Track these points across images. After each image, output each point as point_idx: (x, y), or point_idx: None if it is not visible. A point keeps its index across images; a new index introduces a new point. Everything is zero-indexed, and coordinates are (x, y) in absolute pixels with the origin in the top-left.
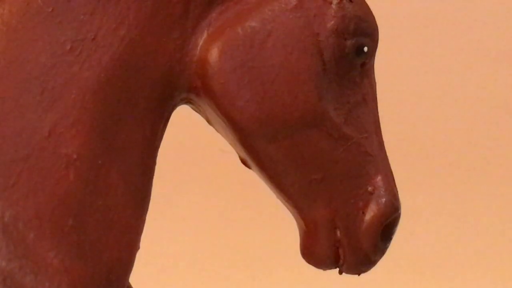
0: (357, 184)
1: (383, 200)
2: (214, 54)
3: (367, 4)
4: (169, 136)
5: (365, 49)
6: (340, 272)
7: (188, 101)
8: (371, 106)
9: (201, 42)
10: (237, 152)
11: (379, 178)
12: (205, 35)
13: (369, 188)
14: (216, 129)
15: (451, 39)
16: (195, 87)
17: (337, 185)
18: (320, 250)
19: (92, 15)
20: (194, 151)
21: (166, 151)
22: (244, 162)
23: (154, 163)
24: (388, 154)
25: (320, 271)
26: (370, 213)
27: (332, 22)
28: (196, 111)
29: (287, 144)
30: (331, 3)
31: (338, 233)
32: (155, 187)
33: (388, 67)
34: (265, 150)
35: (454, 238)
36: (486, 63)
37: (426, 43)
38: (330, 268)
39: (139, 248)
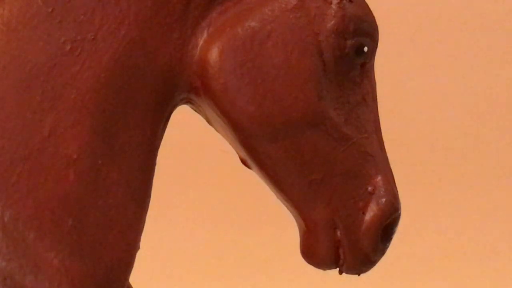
0: (357, 184)
1: (383, 200)
2: (214, 54)
3: (367, 4)
4: (169, 136)
5: (365, 49)
6: (340, 272)
7: (188, 101)
8: (371, 106)
9: (201, 42)
10: (237, 152)
11: (379, 178)
12: (205, 35)
13: (369, 188)
14: (216, 129)
15: (451, 39)
16: (195, 87)
17: (337, 185)
18: (320, 250)
19: (92, 15)
20: (194, 151)
21: (166, 151)
22: (244, 162)
23: (154, 163)
24: (388, 154)
25: (320, 271)
26: (370, 213)
27: (332, 22)
28: (196, 111)
29: (287, 144)
30: (331, 3)
31: (338, 233)
32: (155, 187)
33: (388, 67)
34: (265, 150)
35: (454, 238)
36: (486, 63)
37: (426, 43)
38: (330, 268)
39: (139, 248)
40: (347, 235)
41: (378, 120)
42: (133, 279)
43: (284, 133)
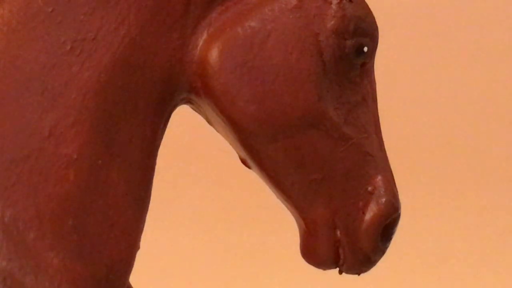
0: (357, 184)
1: (383, 200)
2: (214, 54)
3: (367, 4)
4: (169, 136)
5: (365, 49)
6: (340, 272)
7: (188, 101)
8: (371, 106)
9: (201, 42)
10: (237, 152)
11: (379, 178)
12: (205, 35)
13: (369, 188)
14: (216, 129)
15: (451, 39)
16: (195, 87)
17: (337, 185)
18: (320, 250)
19: (92, 15)
20: (194, 151)
21: (166, 151)
22: (244, 162)
23: (154, 163)
24: (388, 154)
25: (320, 271)
26: (370, 213)
27: (332, 22)
28: (196, 111)
29: (287, 144)
30: (331, 3)
31: (338, 233)
32: (155, 187)
33: (388, 67)
34: (265, 150)
35: (454, 238)
36: (486, 63)
37: (426, 43)
38: (330, 268)
39: (139, 248)
40: (347, 235)
41: (378, 120)
42: (133, 279)
43: (284, 133)
